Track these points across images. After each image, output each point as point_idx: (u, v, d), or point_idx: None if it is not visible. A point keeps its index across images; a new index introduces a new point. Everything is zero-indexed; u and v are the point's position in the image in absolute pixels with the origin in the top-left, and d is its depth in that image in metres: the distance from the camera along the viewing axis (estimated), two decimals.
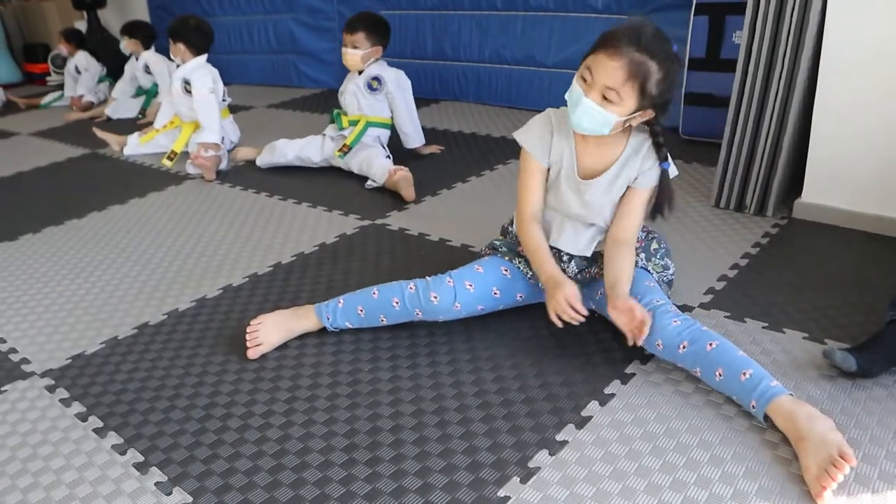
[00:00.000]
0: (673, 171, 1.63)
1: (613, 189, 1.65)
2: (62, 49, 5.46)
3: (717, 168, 2.37)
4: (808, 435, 1.26)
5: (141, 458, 1.43)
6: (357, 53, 2.96)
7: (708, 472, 1.27)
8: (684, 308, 1.80)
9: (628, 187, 1.64)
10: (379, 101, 3.04)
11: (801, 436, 1.27)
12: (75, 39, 5.47)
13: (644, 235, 1.76)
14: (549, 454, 1.34)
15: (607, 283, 1.60)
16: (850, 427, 1.35)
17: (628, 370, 1.57)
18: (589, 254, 1.74)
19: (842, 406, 1.41)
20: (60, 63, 5.92)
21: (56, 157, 3.91)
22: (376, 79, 3.01)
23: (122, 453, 1.45)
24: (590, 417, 1.43)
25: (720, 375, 1.41)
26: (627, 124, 1.56)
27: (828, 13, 2.07)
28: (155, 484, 1.36)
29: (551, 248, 1.74)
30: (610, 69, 1.47)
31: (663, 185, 1.62)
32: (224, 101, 3.51)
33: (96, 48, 5.74)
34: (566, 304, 1.56)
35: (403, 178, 2.74)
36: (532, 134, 1.70)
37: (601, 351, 1.64)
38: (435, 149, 3.27)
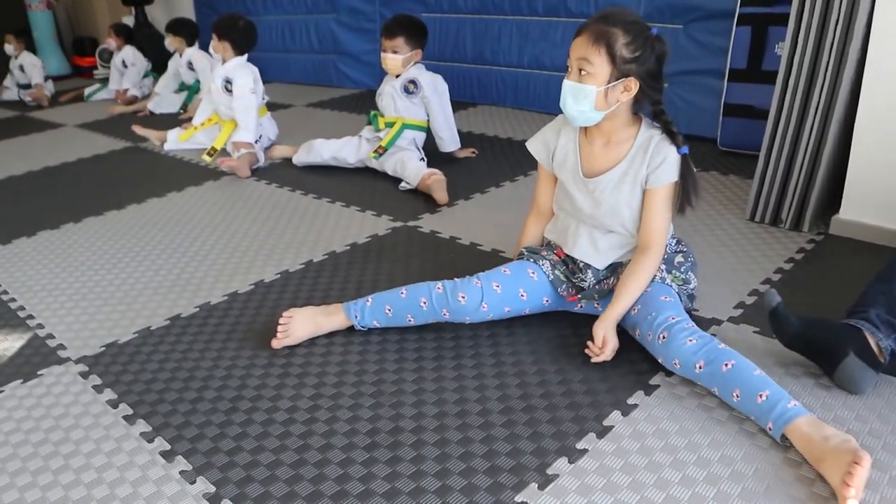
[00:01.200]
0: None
1: (623, 188, 1.66)
2: (111, 42, 5.59)
3: (753, 180, 2.34)
4: (826, 455, 1.24)
5: (167, 447, 1.46)
6: (397, 58, 2.98)
7: (728, 487, 1.26)
8: (713, 321, 1.78)
9: (646, 190, 1.65)
10: (415, 104, 3.06)
11: (820, 457, 1.25)
12: (124, 34, 5.60)
13: (673, 245, 1.75)
14: (569, 462, 1.34)
15: (615, 294, 1.64)
16: (878, 449, 1.33)
17: (652, 381, 1.56)
18: (602, 266, 1.74)
19: (870, 428, 1.39)
20: (107, 57, 6.06)
21: (99, 149, 4.01)
22: (413, 82, 3.03)
23: (150, 441, 1.48)
24: (611, 427, 1.43)
25: (737, 396, 1.40)
26: (616, 100, 1.59)
27: (874, 24, 2.03)
28: (180, 472, 1.39)
29: (568, 256, 1.78)
30: (577, 44, 1.58)
31: (685, 171, 1.62)
32: (263, 99, 3.56)
33: (143, 43, 5.87)
34: None
35: (437, 181, 2.75)
36: (538, 139, 1.84)
37: (626, 361, 1.63)
38: (470, 152, 3.27)
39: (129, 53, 5.46)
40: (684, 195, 1.63)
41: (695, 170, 1.65)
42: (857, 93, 2.12)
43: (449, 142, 3.17)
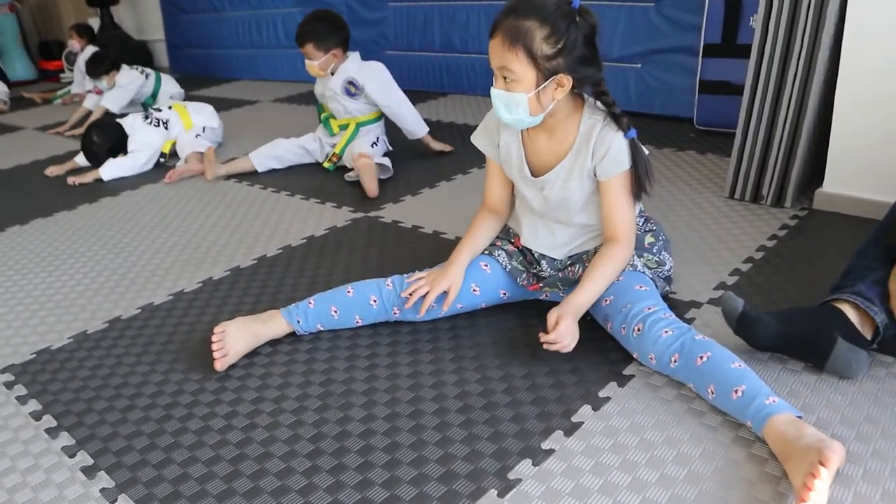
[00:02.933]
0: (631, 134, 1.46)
1: (571, 184, 1.50)
2: (73, 44, 5.42)
3: (731, 157, 2.21)
4: (793, 453, 1.10)
5: (90, 462, 1.31)
6: (313, 64, 2.73)
7: (710, 487, 1.12)
8: (692, 304, 1.65)
9: (599, 182, 1.48)
10: (364, 102, 2.81)
11: (787, 456, 1.12)
12: (87, 34, 5.43)
13: (640, 224, 1.61)
14: (533, 464, 1.20)
15: (580, 283, 1.47)
16: (876, 437, 1.20)
17: (626, 371, 1.42)
18: (560, 256, 1.60)
19: (866, 413, 1.26)
20: (74, 60, 5.88)
21: (55, 150, 3.85)
22: (352, 83, 2.76)
23: (72, 456, 1.33)
24: (581, 423, 1.29)
25: (712, 393, 1.26)
26: (551, 99, 1.41)
27: None
28: (100, 490, 1.24)
29: (521, 253, 1.64)
30: (493, 50, 1.39)
31: (635, 157, 1.44)
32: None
33: (110, 45, 5.69)
34: (432, 285, 1.55)
35: (364, 167, 2.58)
36: (481, 133, 1.64)
37: (597, 350, 1.49)
38: (446, 147, 3.03)
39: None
40: (637, 183, 1.46)
41: (646, 152, 1.47)
42: (836, 60, 2.00)
43: (415, 128, 2.93)
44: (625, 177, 1.46)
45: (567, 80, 1.39)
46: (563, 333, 1.38)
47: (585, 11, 1.37)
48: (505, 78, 1.39)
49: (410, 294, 1.57)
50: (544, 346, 1.39)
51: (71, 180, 3.11)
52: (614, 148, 1.44)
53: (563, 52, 1.36)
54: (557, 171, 1.51)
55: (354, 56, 2.80)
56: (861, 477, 1.11)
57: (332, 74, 2.78)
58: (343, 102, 2.80)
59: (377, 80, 2.77)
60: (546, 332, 1.40)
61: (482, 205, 1.69)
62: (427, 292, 1.56)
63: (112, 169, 3.16)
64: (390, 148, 2.95)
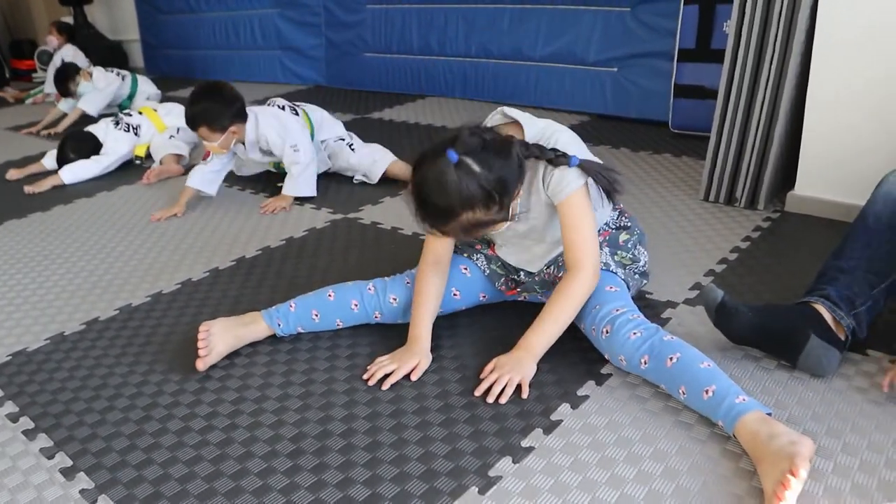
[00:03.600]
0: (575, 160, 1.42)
1: (531, 214, 1.50)
2: (51, 40, 5.36)
3: (705, 160, 2.25)
4: (765, 456, 1.12)
5: (69, 463, 1.31)
6: (213, 145, 2.45)
7: (687, 482, 1.15)
8: (668, 304, 1.68)
9: (557, 206, 1.46)
10: (290, 131, 2.56)
11: (759, 457, 1.14)
12: (66, 32, 5.37)
13: (615, 219, 1.63)
14: (513, 462, 1.22)
15: (536, 320, 1.47)
16: (846, 431, 1.23)
17: (604, 370, 1.44)
18: (536, 269, 1.62)
19: (836, 409, 1.29)
20: (47, 59, 5.82)
21: (28, 150, 3.80)
22: (262, 149, 2.58)
23: (50, 457, 1.33)
24: (560, 422, 1.31)
25: (683, 393, 1.28)
26: (518, 201, 1.42)
27: None
28: (80, 492, 1.23)
29: (499, 258, 1.65)
30: (451, 239, 1.53)
31: (590, 173, 1.42)
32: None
33: (84, 43, 5.64)
34: (406, 371, 1.46)
35: (403, 168, 2.64)
36: None
37: (575, 350, 1.51)
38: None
39: (70, 52, 5.23)
40: (607, 185, 1.43)
41: (598, 160, 1.47)
42: (807, 64, 2.05)
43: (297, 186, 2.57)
44: (580, 195, 1.43)
45: (518, 192, 1.39)
46: (491, 379, 1.39)
47: (463, 144, 1.30)
48: (479, 239, 1.61)
49: (374, 372, 1.47)
50: (487, 399, 1.37)
51: (28, 189, 3.02)
52: (558, 173, 1.42)
53: (503, 196, 1.33)
54: (518, 209, 1.49)
55: (255, 114, 2.53)
56: (831, 471, 1.14)
57: (244, 145, 2.56)
58: (276, 159, 2.66)
59: (272, 139, 2.53)
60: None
61: (428, 260, 1.56)
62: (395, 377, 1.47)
63: (74, 172, 3.11)
64: (352, 142, 2.82)
